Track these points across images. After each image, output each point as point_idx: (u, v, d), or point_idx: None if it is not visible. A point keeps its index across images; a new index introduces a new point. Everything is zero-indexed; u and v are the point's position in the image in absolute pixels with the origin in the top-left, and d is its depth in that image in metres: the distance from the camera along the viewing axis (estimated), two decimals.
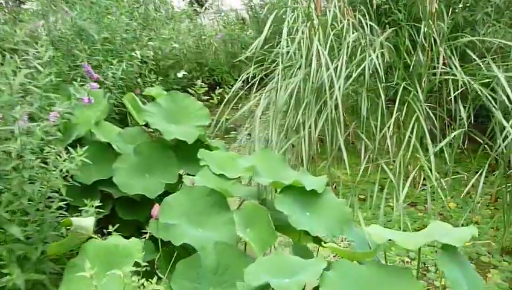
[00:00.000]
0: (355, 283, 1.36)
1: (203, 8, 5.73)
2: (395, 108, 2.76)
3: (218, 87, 3.16)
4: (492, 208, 3.00)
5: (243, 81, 3.35)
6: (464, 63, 2.94)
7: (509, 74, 2.66)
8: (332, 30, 2.81)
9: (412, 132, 2.76)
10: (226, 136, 3.87)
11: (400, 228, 2.72)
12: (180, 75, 3.87)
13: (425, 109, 2.79)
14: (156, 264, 1.76)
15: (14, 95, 1.57)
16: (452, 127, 3.01)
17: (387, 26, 3.15)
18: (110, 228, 1.80)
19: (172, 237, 1.71)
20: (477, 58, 2.74)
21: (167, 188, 2.18)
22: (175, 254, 1.77)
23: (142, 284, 1.33)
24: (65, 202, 1.69)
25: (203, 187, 1.93)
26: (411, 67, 2.91)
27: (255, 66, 3.41)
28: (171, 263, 1.73)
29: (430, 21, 2.74)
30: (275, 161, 2.03)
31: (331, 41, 2.76)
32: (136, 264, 1.42)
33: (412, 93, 2.82)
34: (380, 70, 2.70)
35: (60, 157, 1.54)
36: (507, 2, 3.18)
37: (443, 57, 2.76)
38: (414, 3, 3.09)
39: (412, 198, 3.06)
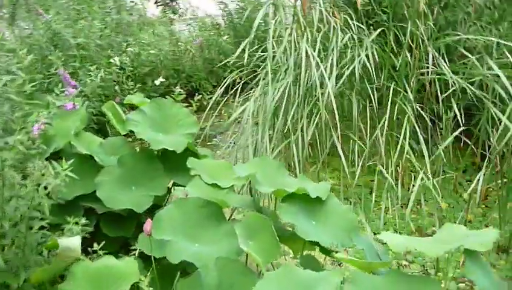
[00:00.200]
0: None
1: (177, 15, 5.62)
2: (388, 109, 2.71)
3: (196, 94, 3.10)
4: (483, 206, 2.98)
5: (224, 87, 3.27)
6: (449, 62, 2.92)
7: (493, 72, 2.64)
8: (319, 31, 2.74)
9: (400, 133, 2.72)
10: (208, 143, 3.75)
11: (395, 231, 2.67)
12: (157, 82, 3.75)
13: (416, 109, 2.75)
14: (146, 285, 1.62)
15: None
16: (440, 127, 2.98)
17: (371, 27, 3.11)
18: (96, 246, 1.66)
19: (169, 254, 1.58)
20: (470, 55, 2.73)
21: (155, 201, 2.05)
22: (169, 272, 1.65)
23: None
24: (46, 221, 1.54)
25: (197, 198, 1.81)
26: (397, 67, 2.88)
27: (236, 71, 3.33)
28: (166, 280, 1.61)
29: (417, 20, 2.71)
30: (273, 168, 1.92)
31: (319, 42, 2.69)
32: (136, 287, 1.28)
33: (401, 94, 2.79)
34: (371, 71, 2.65)
35: (44, 173, 1.38)
36: (487, 2, 3.20)
37: (432, 56, 2.73)
38: (397, 4, 3.06)
39: (403, 200, 3.01)
